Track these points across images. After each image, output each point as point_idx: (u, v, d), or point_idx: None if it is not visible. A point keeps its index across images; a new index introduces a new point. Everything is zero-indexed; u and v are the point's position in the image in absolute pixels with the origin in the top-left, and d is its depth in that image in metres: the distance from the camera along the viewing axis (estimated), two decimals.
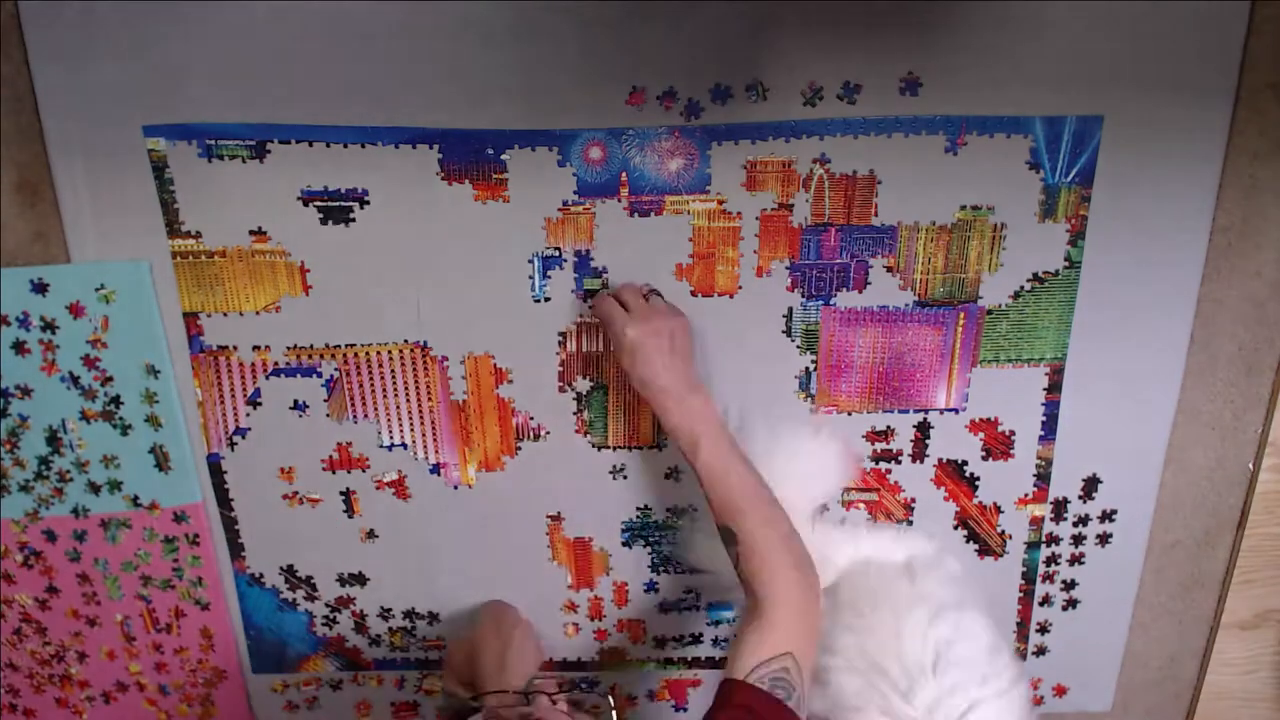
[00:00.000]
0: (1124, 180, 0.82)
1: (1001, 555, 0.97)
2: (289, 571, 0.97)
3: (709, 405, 0.80)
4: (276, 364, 0.89)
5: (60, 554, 0.96)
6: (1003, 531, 0.96)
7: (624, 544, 0.96)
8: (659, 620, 1.00)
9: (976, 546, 0.97)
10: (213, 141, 0.81)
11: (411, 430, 0.92)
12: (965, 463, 0.93)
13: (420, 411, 0.91)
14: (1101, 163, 0.82)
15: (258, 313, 0.87)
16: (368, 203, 0.83)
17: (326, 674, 1.03)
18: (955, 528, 0.96)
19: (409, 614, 1.00)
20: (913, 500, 0.95)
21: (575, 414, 0.90)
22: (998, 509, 0.95)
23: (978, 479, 0.94)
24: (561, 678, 1.03)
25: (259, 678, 1.03)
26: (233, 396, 0.90)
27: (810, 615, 0.75)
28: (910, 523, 0.95)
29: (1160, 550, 0.97)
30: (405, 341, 0.88)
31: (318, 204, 0.83)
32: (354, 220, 0.84)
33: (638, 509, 0.95)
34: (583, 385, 0.89)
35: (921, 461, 0.93)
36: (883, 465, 0.93)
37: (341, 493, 0.94)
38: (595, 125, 0.81)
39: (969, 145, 0.81)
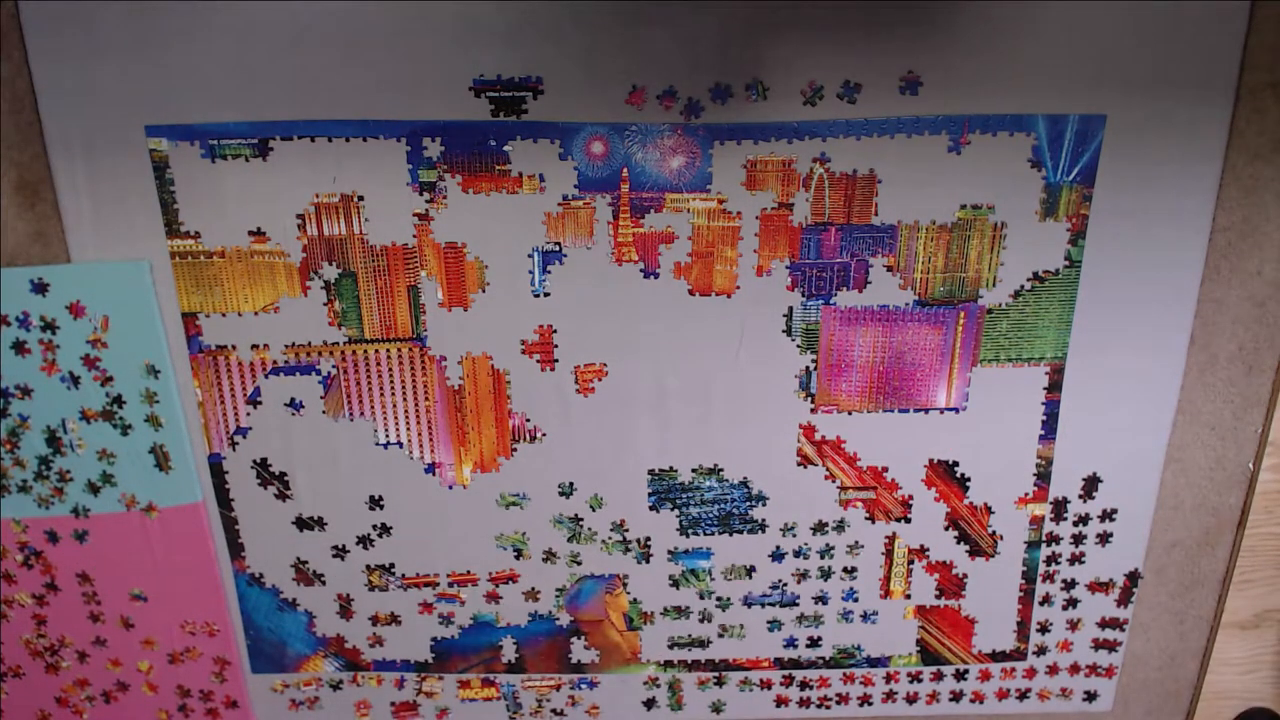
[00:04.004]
0: (1125, 179, 0.82)
1: (992, 556, 0.97)
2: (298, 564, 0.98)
3: None
4: (275, 362, 0.89)
5: (60, 554, 0.96)
6: (994, 532, 0.96)
7: (651, 508, 0.95)
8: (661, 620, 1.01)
9: (968, 547, 0.97)
10: (215, 141, 0.81)
11: (407, 429, 0.92)
12: (956, 464, 0.93)
13: (416, 410, 0.91)
14: (1103, 162, 0.82)
15: (256, 313, 0.87)
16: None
17: (326, 674, 1.03)
18: (946, 529, 0.96)
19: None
20: (910, 498, 0.95)
21: (325, 304, 0.87)
22: (989, 509, 0.95)
23: (969, 479, 0.94)
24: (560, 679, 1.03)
25: (259, 678, 1.03)
26: (232, 396, 0.90)
27: None
28: (909, 520, 0.95)
29: (1160, 550, 0.97)
30: (403, 340, 0.88)
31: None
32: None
33: (657, 470, 0.93)
34: (331, 272, 0.86)
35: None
36: (880, 463, 0.94)
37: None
38: (596, 120, 0.81)
39: (970, 144, 0.81)
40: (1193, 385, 0.90)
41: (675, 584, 0.98)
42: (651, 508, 0.95)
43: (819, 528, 0.96)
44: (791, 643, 1.01)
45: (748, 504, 0.95)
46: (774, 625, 1.01)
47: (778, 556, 0.97)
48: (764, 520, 0.96)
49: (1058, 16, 0.77)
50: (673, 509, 0.95)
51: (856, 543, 0.97)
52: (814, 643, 1.01)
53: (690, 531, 0.96)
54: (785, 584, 0.99)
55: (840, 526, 0.96)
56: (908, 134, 0.81)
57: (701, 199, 0.84)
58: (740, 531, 0.96)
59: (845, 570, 0.98)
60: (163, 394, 0.89)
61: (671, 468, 0.93)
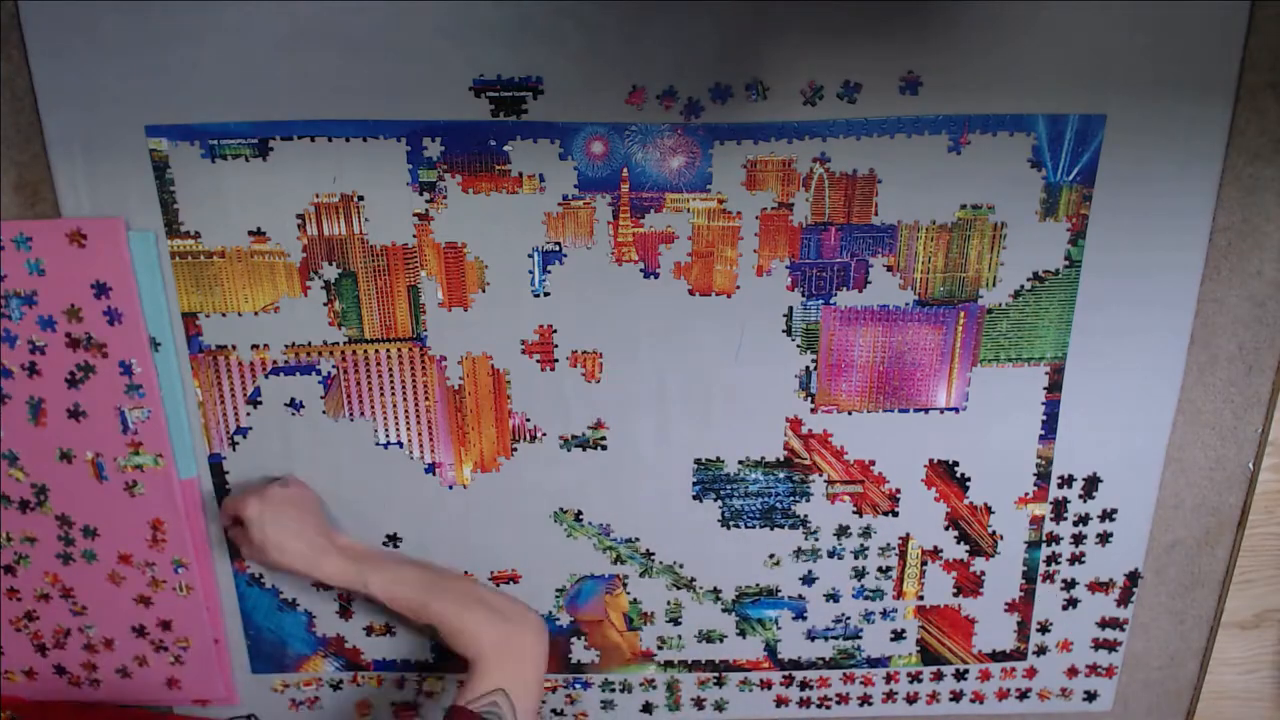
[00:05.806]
0: (1125, 179, 0.83)
1: (992, 556, 0.97)
2: None
3: (349, 549, 0.91)
4: (275, 362, 0.89)
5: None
6: (994, 532, 0.96)
7: (694, 498, 0.95)
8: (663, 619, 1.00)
9: (968, 547, 0.97)
10: (215, 141, 0.81)
11: (408, 429, 0.92)
12: (956, 463, 0.94)
13: (416, 410, 0.91)
14: (1103, 162, 0.82)
15: (256, 313, 0.87)
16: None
17: (326, 674, 1.03)
18: (946, 528, 0.96)
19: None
20: (897, 491, 0.95)
21: (325, 304, 0.87)
22: (989, 509, 0.95)
23: (969, 479, 0.94)
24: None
25: (259, 678, 1.03)
26: (232, 396, 0.90)
27: (518, 656, 0.87)
28: (896, 514, 0.95)
29: (1160, 550, 0.97)
30: (403, 340, 0.88)
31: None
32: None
33: (701, 460, 0.93)
34: (331, 272, 0.86)
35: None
36: (868, 457, 0.94)
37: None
38: (596, 120, 0.81)
39: (970, 144, 0.81)
40: (1193, 385, 0.90)
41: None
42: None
43: (817, 528, 0.96)
44: (792, 643, 1.01)
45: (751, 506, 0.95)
46: (774, 625, 1.01)
47: (777, 557, 0.97)
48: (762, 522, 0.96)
49: (1058, 16, 0.77)
50: (707, 491, 0.95)
51: (862, 546, 0.97)
52: (814, 643, 1.01)
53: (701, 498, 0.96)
54: (784, 585, 0.99)
55: (843, 530, 0.96)
56: (908, 134, 0.81)
57: (701, 199, 0.84)
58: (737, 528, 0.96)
59: (849, 571, 0.98)
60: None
61: (714, 458, 0.93)
